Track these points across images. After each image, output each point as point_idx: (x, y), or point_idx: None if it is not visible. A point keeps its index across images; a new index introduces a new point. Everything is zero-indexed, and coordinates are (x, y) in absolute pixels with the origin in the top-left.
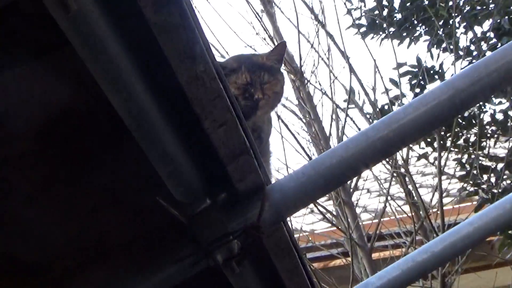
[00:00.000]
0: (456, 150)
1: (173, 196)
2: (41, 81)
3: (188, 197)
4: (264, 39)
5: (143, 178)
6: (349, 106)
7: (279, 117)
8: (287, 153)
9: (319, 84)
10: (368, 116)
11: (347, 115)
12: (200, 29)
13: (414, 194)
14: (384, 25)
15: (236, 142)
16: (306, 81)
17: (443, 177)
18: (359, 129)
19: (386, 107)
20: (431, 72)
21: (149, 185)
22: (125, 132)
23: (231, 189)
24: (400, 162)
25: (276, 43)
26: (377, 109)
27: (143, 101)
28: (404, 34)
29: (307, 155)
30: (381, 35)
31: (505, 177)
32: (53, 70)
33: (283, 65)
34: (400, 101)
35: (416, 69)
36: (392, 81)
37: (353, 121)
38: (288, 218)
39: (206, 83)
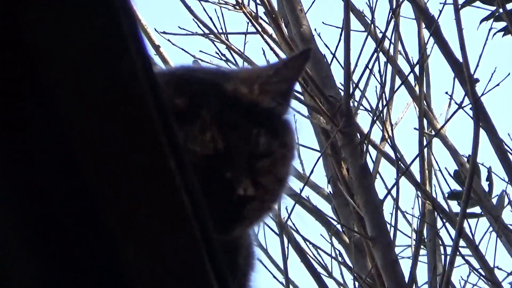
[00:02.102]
0: None
1: None
2: None
3: None
4: (255, 17)
5: None
6: (468, 209)
7: (282, 228)
8: None
9: (392, 145)
10: None
11: (460, 233)
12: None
13: None
14: None
15: None
16: (358, 137)
17: None
18: (491, 272)
19: None
20: None
21: None
22: None
23: None
24: None
25: (284, 32)
26: None
27: None
28: None
29: None
30: None
31: None
32: None
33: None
34: None
35: None
36: None
37: (475, 249)
38: None
39: (134, 152)
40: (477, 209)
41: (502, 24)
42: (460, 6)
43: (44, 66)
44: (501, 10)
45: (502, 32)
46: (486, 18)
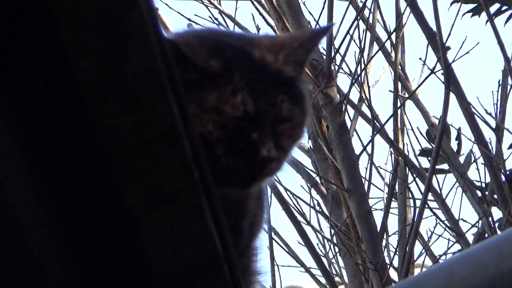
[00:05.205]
0: None
1: None
2: None
3: None
4: None
5: None
6: (438, 165)
7: None
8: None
9: (368, 105)
10: (480, 193)
11: (429, 187)
12: None
13: None
14: None
15: (195, 244)
16: (338, 97)
17: None
18: (456, 223)
19: None
20: None
21: None
22: None
23: None
24: None
25: None
26: (503, 178)
27: None
28: None
29: (327, 274)
30: None
31: None
32: None
33: None
34: None
35: None
36: None
37: (442, 202)
38: None
39: (140, 99)
40: (445, 166)
41: (470, 6)
42: None
43: (60, 15)
44: None
45: (471, 13)
46: (456, 0)
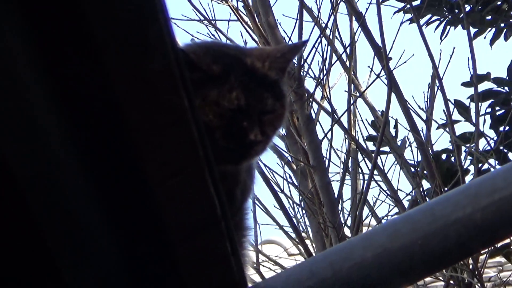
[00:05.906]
0: None
1: None
2: None
3: None
4: (236, 9)
5: None
6: (381, 148)
7: None
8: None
9: (329, 102)
10: (413, 169)
11: (375, 165)
12: None
13: None
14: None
15: (199, 206)
16: (306, 95)
17: None
18: (395, 192)
19: (444, 156)
20: None
21: None
22: None
23: None
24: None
25: (256, 21)
26: (431, 157)
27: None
28: (489, 18)
29: (296, 230)
30: (446, 17)
31: None
32: None
33: None
34: (473, 145)
35: (506, 89)
36: (459, 105)
37: (384, 176)
38: None
39: (159, 93)
40: (386, 149)
41: (408, 16)
42: (380, 1)
43: (98, 29)
44: (408, 6)
45: (409, 21)
46: (398, 11)
